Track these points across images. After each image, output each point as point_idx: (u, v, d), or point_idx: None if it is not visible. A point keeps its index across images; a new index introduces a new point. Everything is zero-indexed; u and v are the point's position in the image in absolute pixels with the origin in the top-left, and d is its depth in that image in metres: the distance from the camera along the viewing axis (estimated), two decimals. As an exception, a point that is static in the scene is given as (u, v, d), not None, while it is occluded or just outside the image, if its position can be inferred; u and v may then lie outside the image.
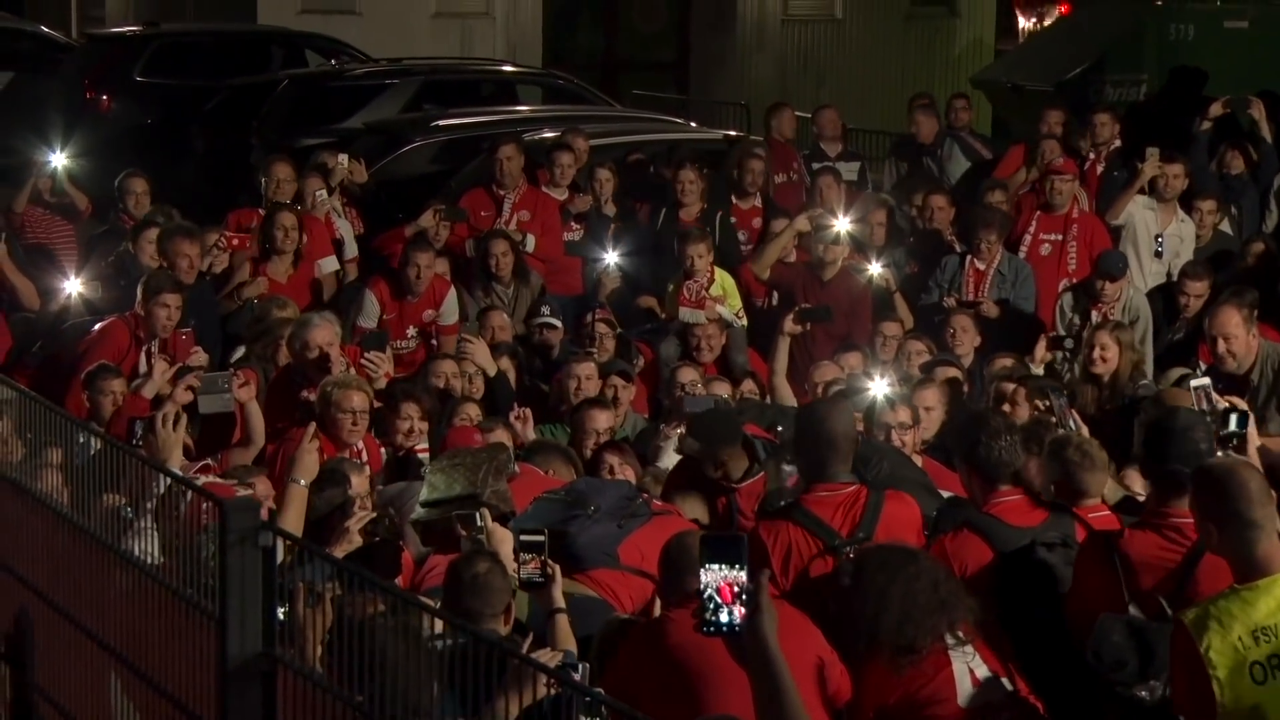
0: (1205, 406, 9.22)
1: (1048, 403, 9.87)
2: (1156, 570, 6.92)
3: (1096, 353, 11.31)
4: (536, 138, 16.77)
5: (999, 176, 15.91)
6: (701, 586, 4.89)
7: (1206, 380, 9.69)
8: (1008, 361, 11.64)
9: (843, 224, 13.96)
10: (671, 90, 27.69)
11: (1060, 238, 14.25)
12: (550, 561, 7.62)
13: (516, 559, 7.57)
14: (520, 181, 15.08)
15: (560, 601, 7.63)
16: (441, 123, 18.77)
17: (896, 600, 6.63)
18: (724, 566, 4.88)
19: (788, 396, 11.61)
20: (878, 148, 19.75)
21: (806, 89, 26.04)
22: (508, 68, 23.35)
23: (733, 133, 19.66)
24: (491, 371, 11.62)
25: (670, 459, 10.07)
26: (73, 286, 12.56)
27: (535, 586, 7.63)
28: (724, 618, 4.87)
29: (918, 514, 7.94)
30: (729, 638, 4.92)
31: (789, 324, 12.19)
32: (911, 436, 9.74)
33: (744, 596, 4.88)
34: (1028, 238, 14.32)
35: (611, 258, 14.74)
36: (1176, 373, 11.33)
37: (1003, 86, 21.92)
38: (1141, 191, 14.67)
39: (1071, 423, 9.27)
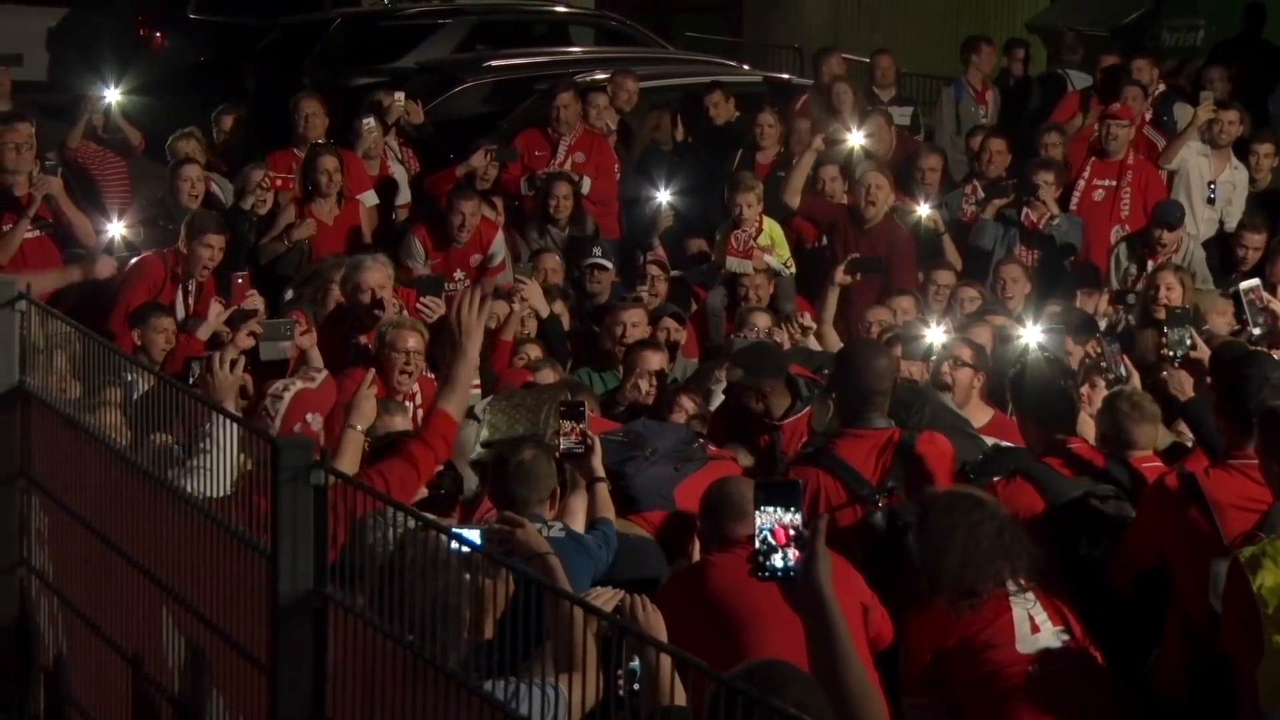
0: (1259, 306, 9.20)
1: (1099, 349, 9.84)
2: (1246, 512, 6.87)
3: (1162, 293, 11.20)
4: (589, 79, 16.75)
5: (1061, 117, 15.90)
6: (756, 530, 4.87)
7: (1256, 281, 9.65)
8: (1057, 308, 11.60)
9: (856, 138, 14.11)
10: (725, 32, 27.58)
11: (1114, 184, 14.15)
12: (590, 432, 7.65)
13: (559, 429, 7.61)
14: (576, 124, 15.07)
15: (600, 471, 7.69)
16: (494, 63, 18.76)
17: (959, 544, 6.60)
18: (779, 510, 4.86)
19: (835, 344, 11.60)
20: (931, 92, 19.64)
21: (860, 32, 25.89)
22: (560, 8, 23.31)
23: (784, 75, 19.59)
24: (545, 313, 11.59)
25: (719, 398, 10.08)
26: (115, 229, 12.62)
27: (576, 457, 7.67)
28: (778, 562, 4.84)
29: (949, 451, 7.92)
30: (783, 583, 4.90)
31: (839, 275, 12.15)
32: (967, 375, 9.64)
33: (799, 541, 4.86)
34: (1081, 183, 14.21)
35: (664, 196, 14.72)
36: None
37: (1058, 31, 21.76)
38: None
39: (1123, 369, 9.23)
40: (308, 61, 19.69)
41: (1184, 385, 8.01)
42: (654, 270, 12.70)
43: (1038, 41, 21.74)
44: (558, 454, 7.62)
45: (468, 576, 5.37)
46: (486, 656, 5.15)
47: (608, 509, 7.63)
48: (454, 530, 5.64)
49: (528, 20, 22.24)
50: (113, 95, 15.44)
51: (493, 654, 5.10)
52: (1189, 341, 8.76)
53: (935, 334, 10.27)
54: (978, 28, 21.30)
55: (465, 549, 5.21)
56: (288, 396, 7.77)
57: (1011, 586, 6.60)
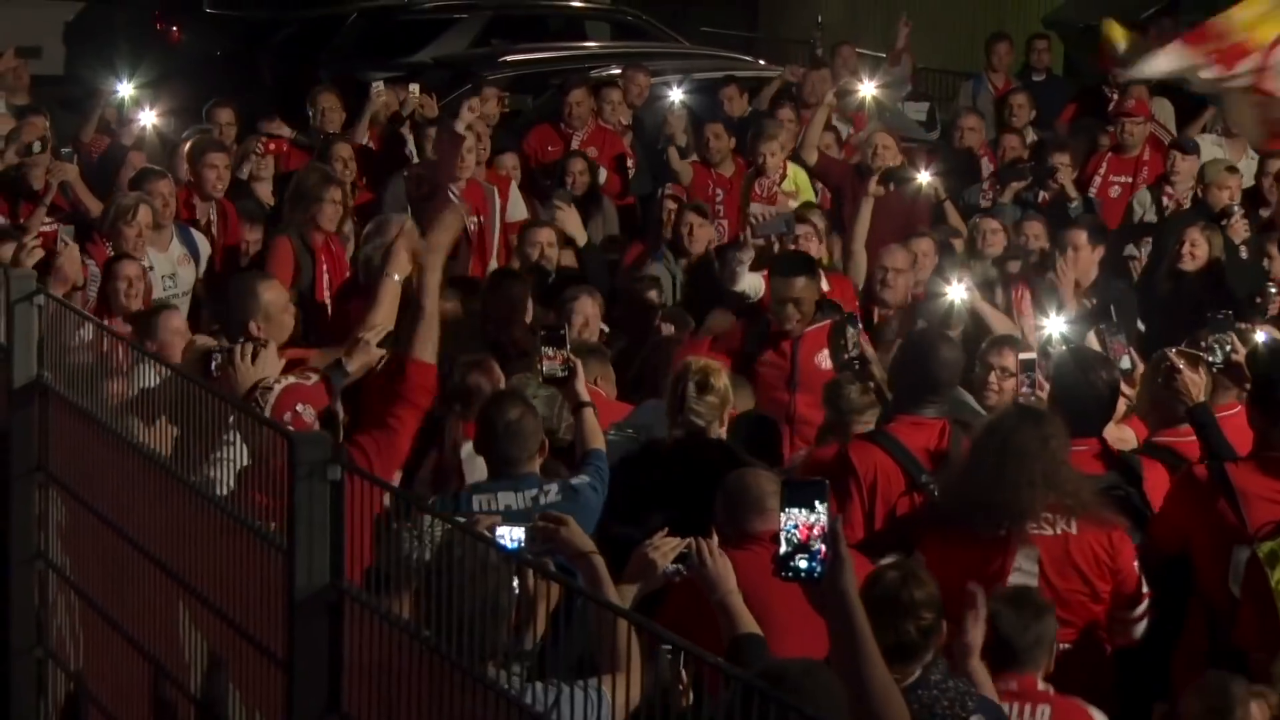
0: None
1: (1102, 340, 9.77)
2: (1275, 505, 6.86)
3: (1186, 248, 11.22)
4: (604, 74, 16.76)
5: (1063, 120, 15.94)
6: (782, 530, 4.82)
7: None
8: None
9: (868, 89, 14.16)
10: (740, 27, 27.54)
11: (1131, 180, 14.17)
12: (572, 356, 7.65)
13: (540, 355, 7.63)
14: (589, 120, 15.07)
15: (584, 396, 7.68)
16: (509, 58, 18.79)
17: (957, 467, 6.63)
18: (804, 510, 4.81)
19: (863, 265, 11.61)
20: (948, 88, 19.62)
21: (876, 27, 25.85)
22: (575, 3, 23.30)
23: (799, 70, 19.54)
24: (581, 240, 11.43)
25: (745, 282, 10.24)
26: (148, 118, 12.58)
27: (559, 382, 7.67)
28: (803, 564, 4.81)
29: None
30: (807, 585, 4.86)
31: (873, 185, 12.17)
32: (1012, 384, 9.00)
33: (823, 542, 4.81)
34: (1098, 179, 14.23)
35: (677, 95, 14.73)
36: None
37: (1075, 27, 21.70)
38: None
39: (1126, 360, 9.10)
40: (323, 55, 19.72)
41: (1190, 389, 7.95)
42: (670, 206, 12.65)
43: (1055, 37, 21.68)
44: (540, 379, 7.63)
45: (516, 582, 5.33)
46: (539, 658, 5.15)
47: (597, 438, 7.58)
48: (497, 539, 5.63)
49: (543, 15, 22.23)
50: (126, 89, 15.43)
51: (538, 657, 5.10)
52: (1229, 346, 8.70)
53: (957, 291, 10.17)
54: (994, 24, 21.26)
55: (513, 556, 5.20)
56: (277, 389, 7.73)
57: (1022, 550, 6.63)
